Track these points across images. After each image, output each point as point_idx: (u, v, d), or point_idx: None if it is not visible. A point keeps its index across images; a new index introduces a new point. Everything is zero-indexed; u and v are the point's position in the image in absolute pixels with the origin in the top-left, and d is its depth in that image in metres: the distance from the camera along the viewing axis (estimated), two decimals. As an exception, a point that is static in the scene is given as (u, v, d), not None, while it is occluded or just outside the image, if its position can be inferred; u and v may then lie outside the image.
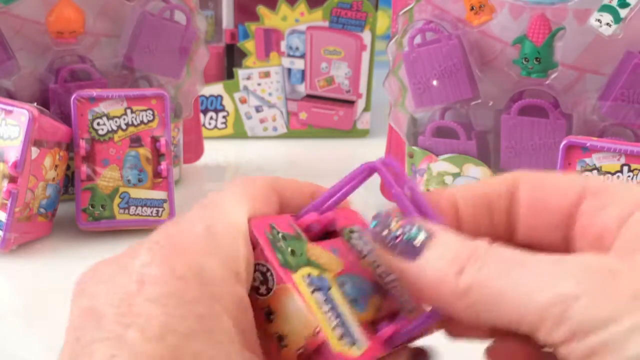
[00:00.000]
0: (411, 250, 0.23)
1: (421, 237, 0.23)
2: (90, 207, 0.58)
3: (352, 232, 0.27)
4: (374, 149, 0.65)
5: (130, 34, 0.64)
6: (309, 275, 0.25)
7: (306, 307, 0.23)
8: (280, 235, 0.25)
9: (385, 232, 0.24)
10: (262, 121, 0.85)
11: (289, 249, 0.25)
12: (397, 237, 0.24)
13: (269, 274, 0.24)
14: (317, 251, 0.26)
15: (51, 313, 0.49)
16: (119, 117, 0.59)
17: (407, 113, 0.61)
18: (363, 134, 0.86)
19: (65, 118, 0.60)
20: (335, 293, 0.25)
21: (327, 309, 0.24)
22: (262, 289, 0.24)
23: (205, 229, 0.23)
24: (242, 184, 0.26)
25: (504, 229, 0.26)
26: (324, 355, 0.23)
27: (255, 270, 0.24)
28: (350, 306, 0.25)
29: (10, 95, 0.61)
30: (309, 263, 0.25)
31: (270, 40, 0.82)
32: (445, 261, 0.22)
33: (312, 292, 0.24)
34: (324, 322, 0.23)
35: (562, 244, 0.25)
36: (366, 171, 0.26)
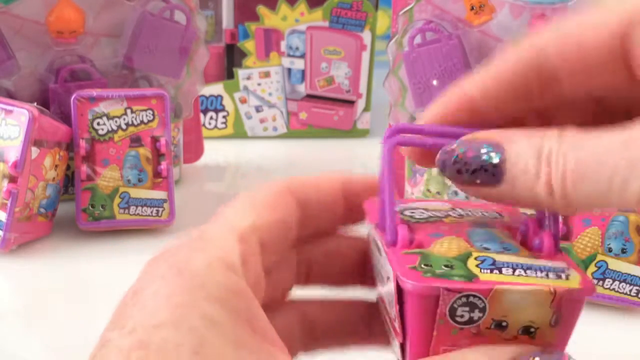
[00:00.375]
0: (491, 177, 0.22)
1: (493, 158, 0.22)
2: (90, 207, 0.58)
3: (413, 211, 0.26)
4: (374, 149, 0.65)
5: (130, 34, 0.64)
6: (478, 263, 0.22)
7: (523, 290, 0.21)
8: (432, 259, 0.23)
9: (456, 168, 0.23)
10: (262, 121, 0.85)
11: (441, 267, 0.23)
12: (471, 170, 0.22)
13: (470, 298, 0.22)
14: (441, 249, 0.24)
15: (51, 313, 0.49)
16: (119, 117, 0.59)
17: (407, 113, 0.61)
18: (363, 134, 0.86)
19: (65, 118, 0.60)
20: (497, 256, 0.23)
21: (515, 273, 0.22)
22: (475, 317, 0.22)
23: (198, 233, 0.24)
24: (251, 193, 0.26)
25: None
26: (568, 305, 0.22)
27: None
28: (509, 254, 0.23)
29: (10, 95, 0.61)
30: (451, 262, 0.23)
31: (270, 40, 0.82)
32: (529, 175, 0.21)
33: (492, 271, 0.22)
34: (536, 280, 0.22)
35: None
36: (393, 149, 0.24)
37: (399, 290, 0.22)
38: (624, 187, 0.20)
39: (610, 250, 0.49)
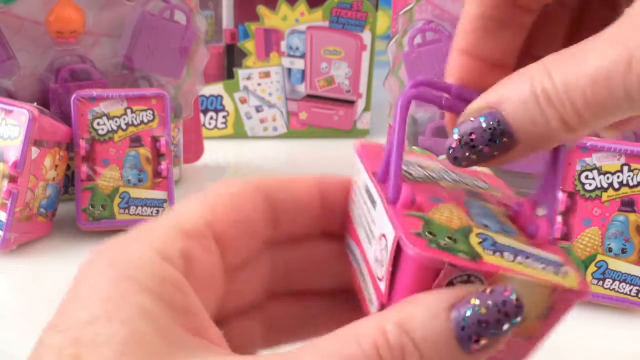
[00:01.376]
0: (504, 144, 0.21)
1: (496, 128, 0.21)
2: (90, 207, 0.58)
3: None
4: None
5: (130, 34, 0.64)
6: (480, 241, 0.22)
7: (526, 281, 0.21)
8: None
9: (469, 156, 0.22)
10: (262, 121, 0.85)
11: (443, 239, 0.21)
12: (483, 148, 0.22)
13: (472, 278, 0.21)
14: (442, 217, 0.23)
15: (51, 313, 0.49)
16: (119, 117, 0.59)
17: (407, 113, 0.61)
18: (363, 134, 0.86)
19: (65, 118, 0.60)
20: (496, 237, 0.22)
21: (516, 259, 0.21)
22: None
23: (141, 227, 0.23)
24: (207, 191, 0.25)
25: None
26: (561, 302, 0.21)
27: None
28: (508, 237, 0.22)
29: (10, 95, 0.61)
30: (454, 234, 0.22)
31: (270, 40, 0.82)
32: (539, 125, 0.20)
33: (494, 253, 0.21)
34: (537, 271, 0.21)
35: None
36: (408, 101, 0.23)
37: (396, 253, 0.21)
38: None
39: (610, 250, 0.49)
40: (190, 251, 0.22)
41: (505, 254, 0.21)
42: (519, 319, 0.20)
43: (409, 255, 0.20)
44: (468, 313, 0.20)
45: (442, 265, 0.20)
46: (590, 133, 0.21)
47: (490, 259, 0.21)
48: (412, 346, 0.19)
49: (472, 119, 0.22)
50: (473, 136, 0.22)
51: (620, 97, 0.19)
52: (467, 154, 0.22)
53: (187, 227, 0.23)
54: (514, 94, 0.21)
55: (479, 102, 0.22)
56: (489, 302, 0.20)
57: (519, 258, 0.21)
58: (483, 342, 0.20)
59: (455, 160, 0.23)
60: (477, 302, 0.20)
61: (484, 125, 0.22)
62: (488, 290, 0.20)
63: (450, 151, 0.23)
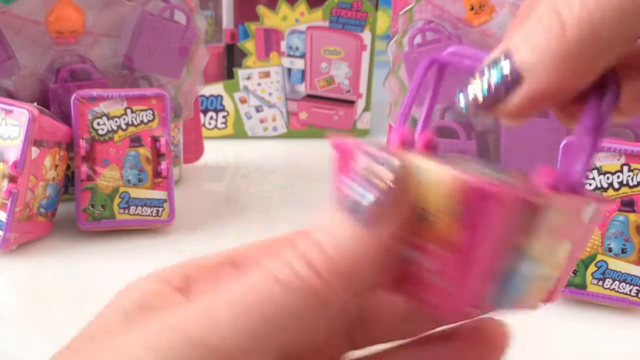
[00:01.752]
0: (510, 83, 0.21)
1: (505, 67, 0.21)
2: (90, 207, 0.58)
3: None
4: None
5: (130, 34, 0.64)
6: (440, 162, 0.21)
7: (430, 168, 0.20)
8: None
9: (477, 90, 0.22)
10: (262, 121, 0.85)
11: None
12: (489, 87, 0.22)
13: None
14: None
15: (51, 313, 0.49)
16: (119, 117, 0.59)
17: (407, 113, 0.61)
18: (363, 134, 0.86)
19: (65, 118, 0.60)
20: (469, 165, 0.22)
21: (459, 165, 0.21)
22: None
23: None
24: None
25: None
26: (475, 204, 0.20)
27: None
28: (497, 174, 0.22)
29: (10, 95, 0.61)
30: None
31: (270, 40, 0.82)
32: (552, 29, 0.20)
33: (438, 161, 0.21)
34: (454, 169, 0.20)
35: None
36: (429, 65, 0.23)
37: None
38: None
39: (610, 250, 0.49)
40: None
41: (454, 164, 0.21)
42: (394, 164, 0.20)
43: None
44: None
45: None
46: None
47: (417, 158, 0.21)
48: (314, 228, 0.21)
49: (488, 66, 0.22)
50: (481, 70, 0.22)
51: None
52: (482, 93, 0.22)
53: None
54: (527, 35, 0.21)
55: (493, 53, 0.22)
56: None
57: (465, 166, 0.21)
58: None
59: (473, 103, 0.22)
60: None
61: (494, 60, 0.22)
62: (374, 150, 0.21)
63: (467, 95, 0.23)
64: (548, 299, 0.23)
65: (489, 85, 0.22)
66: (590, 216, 0.21)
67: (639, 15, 0.19)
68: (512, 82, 0.21)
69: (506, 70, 0.21)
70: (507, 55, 0.21)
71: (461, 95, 0.23)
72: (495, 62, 0.22)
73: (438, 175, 0.20)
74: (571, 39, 0.20)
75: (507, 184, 0.20)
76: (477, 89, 0.22)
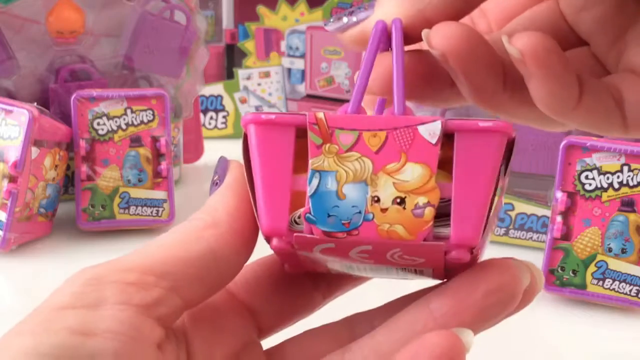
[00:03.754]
0: (363, 10, 0.23)
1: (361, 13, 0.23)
2: (90, 207, 0.58)
3: None
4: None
5: (130, 34, 0.64)
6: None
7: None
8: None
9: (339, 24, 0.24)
10: (262, 121, 0.85)
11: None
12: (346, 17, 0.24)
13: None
14: None
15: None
16: (119, 117, 0.59)
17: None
18: (363, 134, 0.86)
19: (65, 118, 0.60)
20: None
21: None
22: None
23: None
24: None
25: None
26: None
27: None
28: None
29: (10, 95, 0.61)
30: None
31: (270, 40, 0.83)
32: None
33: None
34: None
35: None
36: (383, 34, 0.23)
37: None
38: None
39: (610, 250, 0.49)
40: None
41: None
42: None
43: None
44: None
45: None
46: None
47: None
48: None
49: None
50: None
51: None
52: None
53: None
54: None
55: None
56: None
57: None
58: None
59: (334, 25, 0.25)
60: None
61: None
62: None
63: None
64: (452, 236, 0.22)
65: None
66: (438, 138, 0.21)
67: None
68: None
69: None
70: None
71: (331, 19, 0.25)
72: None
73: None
74: None
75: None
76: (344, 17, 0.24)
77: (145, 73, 0.66)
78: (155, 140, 0.60)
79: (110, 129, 0.59)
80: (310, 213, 0.22)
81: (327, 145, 0.21)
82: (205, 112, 0.84)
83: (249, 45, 0.82)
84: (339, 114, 0.22)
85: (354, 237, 0.21)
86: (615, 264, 0.48)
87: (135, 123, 0.59)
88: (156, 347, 0.21)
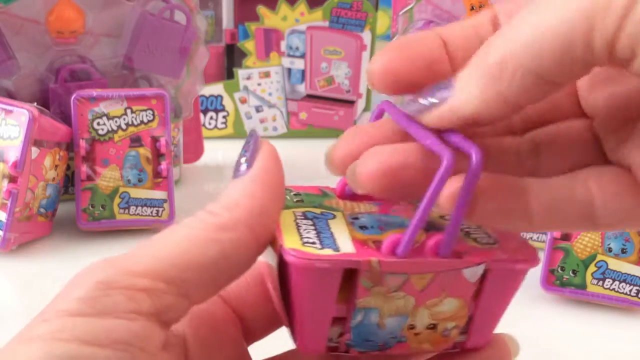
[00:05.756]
0: (442, 89, 0.21)
1: (442, 91, 0.22)
2: (90, 207, 0.58)
3: None
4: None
5: (130, 34, 0.64)
6: (304, 212, 0.24)
7: (277, 230, 0.22)
8: (292, 193, 0.25)
9: (413, 104, 0.23)
10: (262, 121, 0.85)
11: (295, 199, 0.24)
12: (425, 98, 0.22)
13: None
14: (348, 203, 0.25)
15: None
16: (119, 117, 0.59)
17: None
18: (363, 134, 0.86)
19: (65, 118, 0.60)
20: (335, 222, 0.23)
21: (305, 229, 0.22)
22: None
23: None
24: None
25: None
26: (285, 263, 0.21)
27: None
28: (352, 229, 0.23)
29: (10, 95, 0.61)
30: (320, 206, 0.24)
31: (270, 40, 0.82)
32: (477, 80, 0.20)
33: (295, 220, 0.23)
34: (290, 236, 0.22)
35: None
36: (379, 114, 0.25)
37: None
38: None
39: (610, 250, 0.49)
40: None
41: (304, 221, 0.23)
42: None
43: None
44: None
45: None
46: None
47: (284, 214, 0.24)
48: None
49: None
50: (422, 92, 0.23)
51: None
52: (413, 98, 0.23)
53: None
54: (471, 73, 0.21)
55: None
56: None
57: (305, 227, 0.23)
58: None
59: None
60: None
61: (431, 90, 0.22)
62: None
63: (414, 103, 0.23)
64: (466, 342, 0.24)
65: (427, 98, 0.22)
66: (478, 277, 0.22)
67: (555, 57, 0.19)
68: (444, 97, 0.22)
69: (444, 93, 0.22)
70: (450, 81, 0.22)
71: (409, 100, 0.23)
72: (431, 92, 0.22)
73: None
74: (491, 62, 0.20)
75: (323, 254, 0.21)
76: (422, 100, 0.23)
77: (145, 73, 0.66)
78: (155, 140, 0.60)
79: (110, 129, 0.59)
80: (350, 340, 0.23)
81: (377, 287, 0.22)
82: (205, 112, 0.84)
83: (249, 45, 0.82)
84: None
85: (385, 352, 0.23)
86: (615, 264, 0.49)
87: (135, 123, 0.59)
88: (162, 349, 0.21)
